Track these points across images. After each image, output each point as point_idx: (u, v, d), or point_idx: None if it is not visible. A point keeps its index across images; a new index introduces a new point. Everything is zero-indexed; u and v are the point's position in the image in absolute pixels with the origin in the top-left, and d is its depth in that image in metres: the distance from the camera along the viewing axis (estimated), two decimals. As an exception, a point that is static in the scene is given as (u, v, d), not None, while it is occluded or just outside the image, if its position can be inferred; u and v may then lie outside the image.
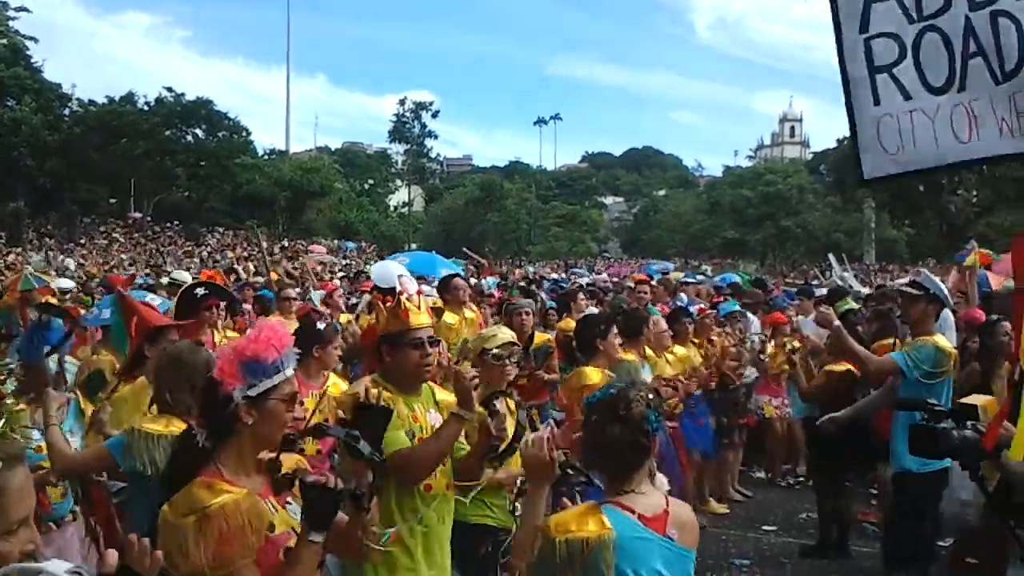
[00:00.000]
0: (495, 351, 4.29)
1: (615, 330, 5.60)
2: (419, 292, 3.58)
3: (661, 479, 2.63)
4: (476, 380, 3.29)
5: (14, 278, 10.34)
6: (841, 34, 4.08)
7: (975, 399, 3.17)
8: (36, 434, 3.90)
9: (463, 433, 3.48)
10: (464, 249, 23.75)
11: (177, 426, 3.35)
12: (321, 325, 5.37)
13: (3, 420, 2.76)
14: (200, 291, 5.92)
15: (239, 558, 2.23)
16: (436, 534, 3.37)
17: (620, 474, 2.50)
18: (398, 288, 3.55)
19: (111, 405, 4.38)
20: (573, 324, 7.96)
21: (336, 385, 5.31)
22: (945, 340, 5.40)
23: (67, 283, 12.16)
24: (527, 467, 2.70)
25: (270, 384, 2.39)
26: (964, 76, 3.79)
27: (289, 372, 2.45)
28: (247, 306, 10.13)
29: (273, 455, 2.45)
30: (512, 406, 4.49)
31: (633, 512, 2.43)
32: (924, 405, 3.29)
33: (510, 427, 4.29)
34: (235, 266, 20.00)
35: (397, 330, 3.36)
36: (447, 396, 3.64)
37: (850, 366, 6.74)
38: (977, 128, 3.76)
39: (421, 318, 3.39)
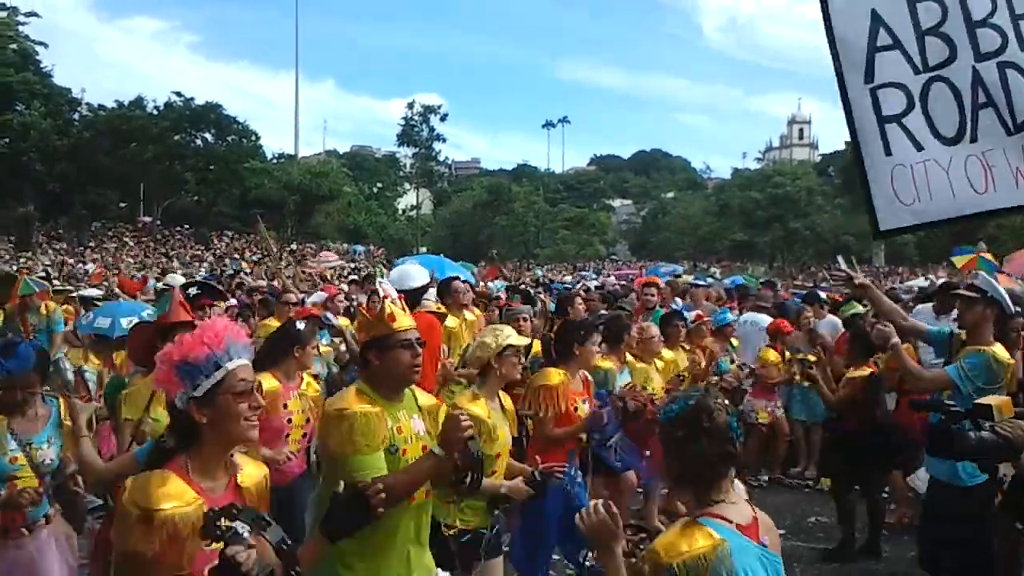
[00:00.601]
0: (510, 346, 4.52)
1: (596, 338, 5.62)
2: (400, 296, 3.54)
3: (739, 486, 2.57)
4: (471, 430, 3.18)
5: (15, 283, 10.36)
6: (845, 84, 4.04)
7: (990, 399, 3.13)
8: (13, 444, 3.91)
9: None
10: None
11: None
12: (300, 325, 5.34)
13: None
14: (193, 291, 5.91)
15: (161, 562, 2.21)
16: (418, 540, 3.35)
17: (707, 485, 2.44)
18: (381, 293, 3.48)
19: (127, 398, 4.40)
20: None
21: (311, 384, 5.35)
22: (1003, 350, 5.06)
23: (95, 292, 12.08)
24: (591, 536, 2.50)
25: (212, 381, 2.38)
26: (975, 127, 3.77)
27: (233, 365, 2.41)
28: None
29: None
30: (508, 404, 4.66)
31: (730, 522, 2.38)
32: (942, 406, 3.25)
33: (502, 430, 4.35)
34: (242, 271, 20.04)
35: (384, 334, 3.30)
36: (429, 399, 3.62)
37: (871, 369, 6.71)
38: (993, 179, 3.74)
39: (406, 320, 3.36)
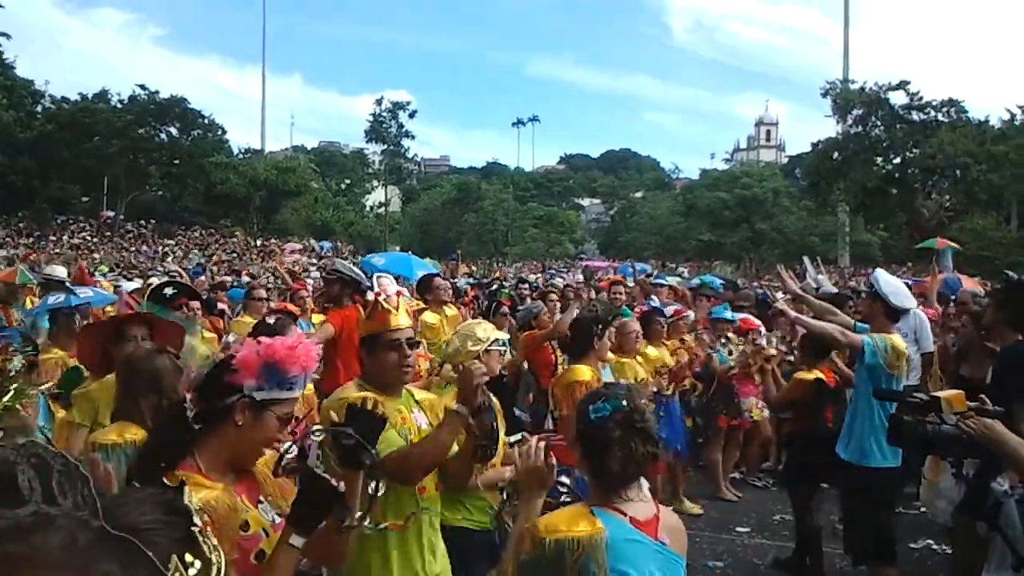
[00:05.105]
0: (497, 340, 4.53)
1: (609, 331, 5.62)
2: (399, 293, 3.49)
3: (644, 484, 2.57)
4: (485, 376, 3.21)
5: (9, 271, 9.99)
6: None
7: (942, 393, 3.18)
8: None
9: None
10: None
11: (133, 433, 3.29)
12: (271, 320, 5.29)
13: (9, 395, 2.71)
14: (169, 291, 5.78)
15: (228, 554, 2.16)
16: (430, 536, 3.32)
17: (621, 483, 2.46)
18: (376, 290, 3.44)
19: (76, 400, 4.30)
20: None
21: None
22: (900, 340, 5.38)
23: (61, 272, 11.42)
24: (522, 476, 2.65)
25: (277, 396, 2.36)
26: None
27: (297, 394, 2.42)
28: (222, 306, 9.99)
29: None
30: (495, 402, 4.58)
31: (624, 515, 2.39)
32: (902, 397, 3.29)
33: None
34: (207, 265, 19.80)
35: (375, 332, 3.29)
36: (426, 395, 3.60)
37: (820, 375, 6.59)
38: None
39: (399, 319, 3.31)
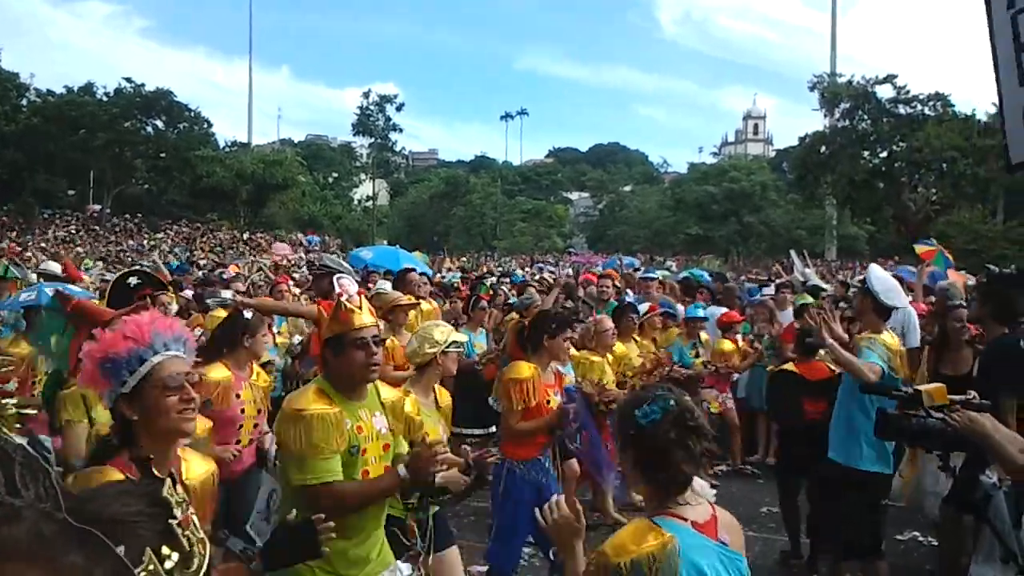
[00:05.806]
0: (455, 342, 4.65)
1: (568, 331, 5.57)
2: (360, 292, 3.45)
3: (703, 485, 2.48)
4: (445, 463, 3.16)
5: None
6: (991, 10, 3.90)
7: (923, 386, 3.18)
8: None
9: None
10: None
11: None
12: (248, 314, 5.26)
13: None
14: (133, 280, 5.71)
15: None
16: (375, 531, 3.32)
17: (671, 488, 2.37)
18: (338, 289, 3.41)
19: (66, 399, 4.27)
20: (516, 316, 8.34)
21: (260, 375, 5.29)
22: (892, 337, 5.32)
23: (54, 266, 11.28)
24: (554, 534, 2.50)
25: (139, 376, 2.32)
26: None
27: (160, 358, 2.35)
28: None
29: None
30: (444, 399, 4.76)
31: (685, 520, 2.33)
32: (891, 391, 3.29)
33: (433, 427, 4.36)
34: (193, 259, 19.71)
35: (339, 332, 3.23)
36: (392, 394, 3.57)
37: (793, 368, 6.61)
38: None
39: (363, 318, 3.27)
